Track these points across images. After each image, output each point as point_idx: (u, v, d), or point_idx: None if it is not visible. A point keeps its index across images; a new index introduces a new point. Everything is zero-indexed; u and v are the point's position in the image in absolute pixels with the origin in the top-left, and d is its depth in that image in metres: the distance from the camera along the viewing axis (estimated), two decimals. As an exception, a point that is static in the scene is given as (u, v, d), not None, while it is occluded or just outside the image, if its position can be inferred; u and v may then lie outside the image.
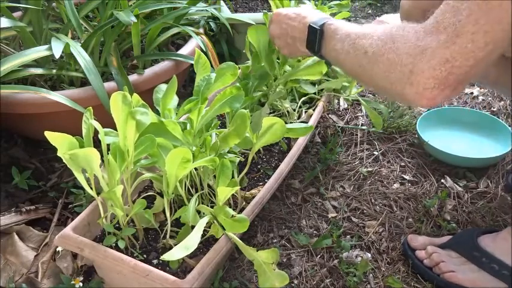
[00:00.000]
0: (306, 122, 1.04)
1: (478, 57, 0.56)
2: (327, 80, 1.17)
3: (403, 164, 1.16)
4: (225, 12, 1.45)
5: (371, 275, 0.85)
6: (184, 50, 1.17)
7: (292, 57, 0.99)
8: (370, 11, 2.16)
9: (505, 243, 0.80)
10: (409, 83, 0.59)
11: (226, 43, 1.48)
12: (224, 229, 0.73)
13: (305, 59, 1.04)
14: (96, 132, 0.67)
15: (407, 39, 0.60)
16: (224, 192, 0.71)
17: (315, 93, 1.17)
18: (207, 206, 0.78)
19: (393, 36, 0.61)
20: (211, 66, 0.92)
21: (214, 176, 0.78)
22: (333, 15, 1.25)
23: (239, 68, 0.95)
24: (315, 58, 1.02)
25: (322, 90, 1.18)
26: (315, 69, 1.02)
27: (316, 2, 1.23)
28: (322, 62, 1.02)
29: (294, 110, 1.12)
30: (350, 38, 0.69)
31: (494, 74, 0.88)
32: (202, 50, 1.13)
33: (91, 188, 0.69)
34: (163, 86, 0.84)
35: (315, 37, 0.78)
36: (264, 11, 1.09)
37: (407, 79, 0.59)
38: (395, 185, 1.08)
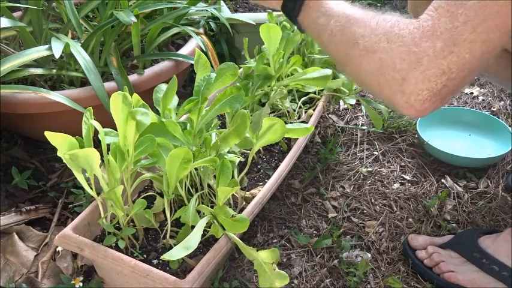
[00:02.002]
0: (306, 122, 1.04)
1: (473, 67, 0.53)
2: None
3: (403, 164, 1.16)
4: (225, 12, 1.45)
5: (371, 275, 0.85)
6: (184, 50, 1.17)
7: (256, 3, 0.83)
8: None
9: (506, 244, 0.80)
10: (401, 90, 0.56)
11: (226, 43, 1.48)
12: (224, 229, 0.73)
13: (311, 69, 1.03)
14: (96, 132, 0.67)
15: (402, 42, 0.55)
16: (224, 192, 0.71)
17: (315, 93, 1.17)
18: (207, 206, 0.78)
19: (388, 34, 0.57)
20: (211, 66, 0.92)
21: (214, 176, 0.78)
22: None
23: (240, 68, 0.96)
24: (321, 72, 1.02)
25: (322, 90, 1.18)
26: (320, 82, 1.02)
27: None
28: (329, 75, 1.01)
29: (294, 110, 1.12)
30: (338, 19, 0.63)
31: (495, 67, 0.88)
32: (202, 50, 1.13)
33: (91, 188, 0.69)
34: (164, 86, 0.84)
35: (294, 3, 0.68)
36: (268, 10, 1.09)
37: (399, 86, 0.56)
38: (395, 185, 1.08)
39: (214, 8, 1.31)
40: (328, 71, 1.01)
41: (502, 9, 0.50)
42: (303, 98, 1.16)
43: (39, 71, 0.99)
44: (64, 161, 0.63)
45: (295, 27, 0.74)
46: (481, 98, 1.45)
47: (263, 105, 1.09)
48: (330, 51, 0.67)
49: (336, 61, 0.68)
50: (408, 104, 0.56)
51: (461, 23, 0.51)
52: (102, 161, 0.66)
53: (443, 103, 0.56)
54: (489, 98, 1.44)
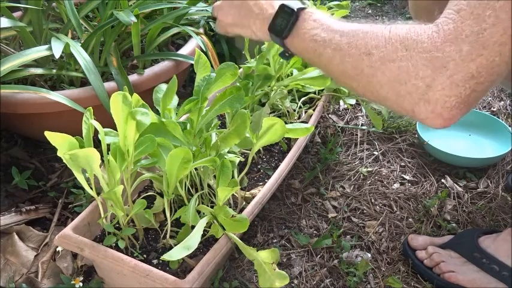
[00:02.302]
0: (306, 122, 1.04)
1: (501, 71, 0.50)
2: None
3: (403, 164, 1.16)
4: (225, 12, 1.44)
5: (371, 275, 0.85)
6: (184, 50, 1.17)
7: (227, 34, 0.80)
8: (370, 11, 2.16)
9: (506, 244, 0.80)
10: (425, 99, 0.52)
11: (226, 43, 1.48)
12: (224, 229, 0.73)
13: (311, 68, 1.03)
14: (96, 132, 0.67)
15: (422, 48, 0.52)
16: (224, 192, 0.71)
17: (315, 93, 1.17)
18: (207, 206, 0.78)
19: (405, 41, 0.53)
20: (211, 66, 0.92)
21: (214, 176, 0.78)
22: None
23: (240, 68, 0.96)
24: (319, 71, 1.01)
25: (322, 90, 1.18)
26: (319, 81, 1.03)
27: (315, 2, 1.23)
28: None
29: (294, 110, 1.12)
30: (344, 33, 0.59)
31: None
32: (202, 50, 1.13)
33: (91, 188, 0.69)
34: (164, 86, 0.84)
35: (287, 20, 0.65)
36: None
37: (423, 95, 0.52)
38: (395, 185, 1.08)
39: (214, 8, 1.31)
40: None
41: None
42: (303, 98, 1.16)
43: (39, 71, 0.99)
44: (64, 161, 0.63)
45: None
46: (481, 98, 1.45)
47: (263, 105, 1.09)
48: (332, 68, 0.63)
49: (340, 77, 0.63)
50: (434, 113, 0.52)
51: (490, 24, 0.49)
52: (102, 161, 0.66)
53: (470, 109, 0.53)
54: (489, 98, 1.44)
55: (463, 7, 0.51)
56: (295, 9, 0.65)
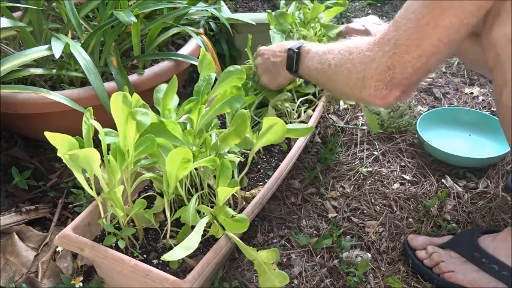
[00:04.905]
0: (306, 122, 1.04)
1: (416, 66, 0.66)
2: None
3: (403, 164, 1.16)
4: (225, 12, 1.45)
5: (371, 275, 0.85)
6: (184, 50, 1.17)
7: (270, 86, 1.05)
8: (370, 11, 2.16)
9: (505, 243, 0.80)
10: (364, 86, 0.71)
11: (226, 43, 1.48)
12: (224, 229, 0.73)
13: None
14: (96, 132, 0.67)
15: (360, 50, 0.71)
16: (224, 192, 0.71)
17: (314, 95, 1.17)
18: (207, 206, 0.78)
19: (350, 49, 0.74)
20: (211, 66, 0.92)
21: (214, 176, 0.78)
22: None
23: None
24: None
25: (322, 90, 1.18)
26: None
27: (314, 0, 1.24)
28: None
29: (293, 110, 1.12)
30: (318, 55, 0.82)
31: (474, 53, 0.88)
32: (202, 50, 1.13)
33: (91, 188, 0.69)
34: (164, 86, 0.84)
35: (293, 58, 0.89)
36: (268, 10, 1.09)
37: (362, 83, 0.71)
38: (395, 185, 1.08)
39: (214, 8, 1.31)
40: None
41: (431, 21, 0.64)
42: (302, 98, 1.16)
43: (39, 71, 0.99)
44: (64, 161, 0.63)
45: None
46: (481, 98, 1.45)
47: (263, 105, 1.09)
48: (319, 83, 0.89)
49: (324, 87, 0.90)
50: (371, 95, 0.71)
51: (402, 31, 0.66)
52: (102, 161, 0.66)
53: (406, 93, 0.70)
54: (489, 98, 1.44)
55: (395, 18, 0.68)
56: (295, 50, 0.89)
